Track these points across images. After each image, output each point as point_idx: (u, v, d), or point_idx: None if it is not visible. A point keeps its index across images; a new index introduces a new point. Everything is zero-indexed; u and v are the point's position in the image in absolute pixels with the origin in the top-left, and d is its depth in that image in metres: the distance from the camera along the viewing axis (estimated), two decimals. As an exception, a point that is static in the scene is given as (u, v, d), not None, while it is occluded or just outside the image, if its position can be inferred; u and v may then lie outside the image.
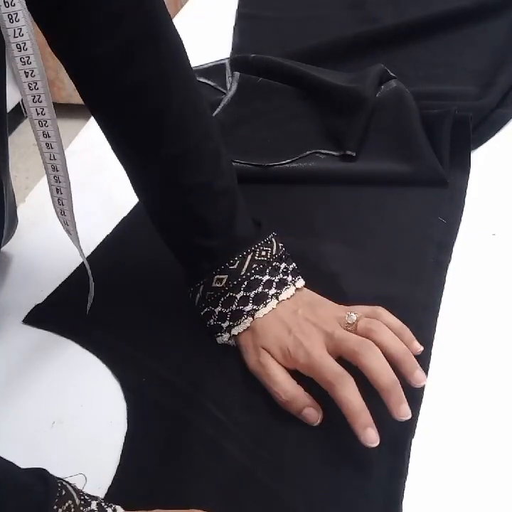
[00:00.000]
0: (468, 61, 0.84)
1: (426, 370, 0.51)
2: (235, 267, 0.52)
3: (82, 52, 0.49)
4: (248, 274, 0.52)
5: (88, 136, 0.82)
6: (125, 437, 0.49)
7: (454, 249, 0.61)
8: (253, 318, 0.52)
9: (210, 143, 0.53)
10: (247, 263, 0.52)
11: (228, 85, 0.83)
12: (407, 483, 0.44)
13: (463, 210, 0.65)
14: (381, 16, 0.95)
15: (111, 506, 0.39)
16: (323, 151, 0.72)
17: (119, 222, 0.69)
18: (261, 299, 0.52)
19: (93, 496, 0.39)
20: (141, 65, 0.49)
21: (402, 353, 0.48)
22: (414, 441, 0.47)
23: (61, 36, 0.49)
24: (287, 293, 0.53)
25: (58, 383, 0.54)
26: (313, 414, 0.48)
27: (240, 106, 0.80)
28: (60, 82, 2.14)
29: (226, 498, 0.43)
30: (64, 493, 0.37)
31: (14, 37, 0.42)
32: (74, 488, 0.38)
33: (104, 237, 0.67)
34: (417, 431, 0.47)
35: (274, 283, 0.53)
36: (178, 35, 0.52)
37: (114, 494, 0.44)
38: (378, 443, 0.44)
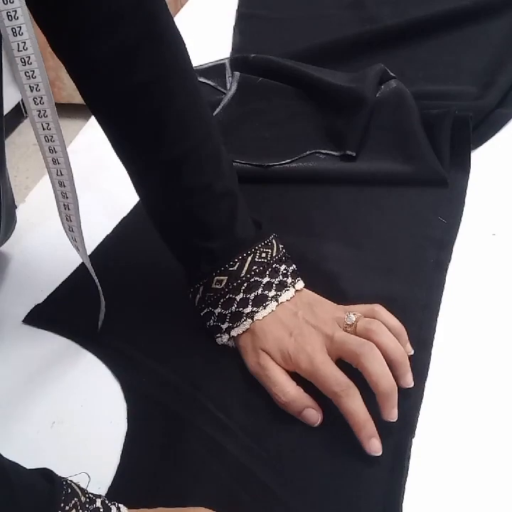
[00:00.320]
0: (468, 61, 0.84)
1: (426, 370, 0.51)
2: (235, 268, 0.52)
3: (82, 53, 0.49)
4: (248, 275, 0.52)
5: (88, 136, 0.82)
6: (125, 437, 0.49)
7: (454, 249, 0.61)
8: (252, 320, 0.52)
9: (211, 144, 0.53)
10: (247, 265, 0.52)
11: (228, 85, 0.83)
12: (407, 484, 0.44)
13: (463, 210, 0.65)
14: (381, 15, 0.95)
15: (114, 504, 0.40)
16: (323, 151, 0.72)
17: (119, 222, 0.69)
18: (260, 301, 0.52)
19: (97, 495, 0.40)
20: (141, 66, 0.49)
21: (400, 356, 0.48)
22: (414, 441, 0.47)
23: (61, 36, 0.49)
24: (287, 295, 0.53)
25: (58, 383, 0.54)
26: (313, 415, 0.48)
27: (239, 106, 0.80)
28: (60, 82, 2.14)
29: (226, 498, 0.43)
30: (70, 491, 0.38)
31: (14, 36, 0.42)
32: (78, 486, 0.39)
33: (104, 237, 0.67)
34: (417, 431, 0.47)
35: (274, 285, 0.53)
36: (180, 36, 0.52)
37: (114, 494, 0.44)
38: (381, 453, 0.45)
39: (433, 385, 0.50)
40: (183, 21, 1.04)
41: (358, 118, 0.73)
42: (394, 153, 0.70)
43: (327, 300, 0.54)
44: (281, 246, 0.55)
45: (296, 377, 0.50)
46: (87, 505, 0.38)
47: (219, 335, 0.53)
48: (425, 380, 0.50)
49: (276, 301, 0.52)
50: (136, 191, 0.56)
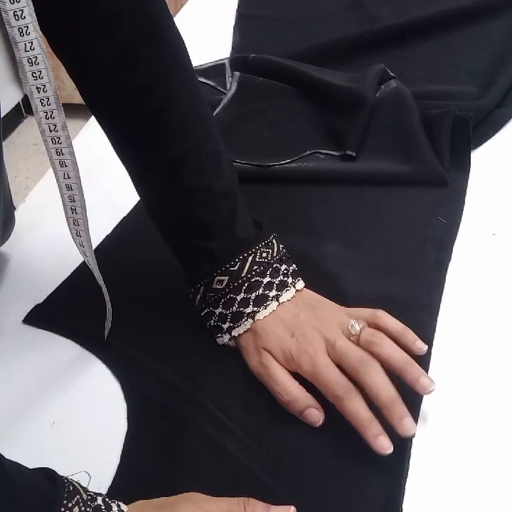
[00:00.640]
0: (468, 61, 0.84)
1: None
2: (236, 268, 0.52)
3: (82, 53, 0.49)
4: (249, 275, 0.52)
5: (88, 136, 0.82)
6: (125, 437, 0.49)
7: (454, 249, 0.61)
8: (253, 320, 0.52)
9: (211, 144, 0.53)
10: (248, 265, 0.52)
11: (228, 85, 0.83)
12: (407, 484, 0.44)
13: (463, 210, 0.65)
14: (381, 15, 0.95)
15: (114, 502, 0.40)
16: (323, 151, 0.72)
17: (119, 222, 0.69)
18: (261, 301, 0.52)
19: (97, 493, 0.40)
20: (141, 66, 0.49)
21: (403, 363, 0.48)
22: (414, 441, 0.46)
23: (61, 37, 0.49)
24: (288, 295, 0.53)
25: (58, 383, 0.54)
26: (315, 415, 0.48)
27: (239, 106, 0.80)
28: (60, 82, 2.14)
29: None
30: (71, 488, 0.38)
31: (21, 36, 0.41)
32: (79, 484, 0.39)
33: (104, 237, 0.67)
34: (417, 431, 0.47)
35: (275, 285, 0.53)
36: (180, 36, 0.52)
37: (114, 494, 0.44)
38: (392, 449, 0.44)
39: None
40: (183, 21, 1.04)
41: (358, 118, 0.73)
42: (394, 153, 0.70)
43: (328, 300, 0.54)
44: (281, 246, 0.55)
45: (297, 377, 0.50)
46: (89, 503, 0.38)
47: (220, 335, 0.53)
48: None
49: (277, 301, 0.52)
50: (137, 191, 0.56)
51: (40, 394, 0.53)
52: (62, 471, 0.40)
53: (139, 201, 0.69)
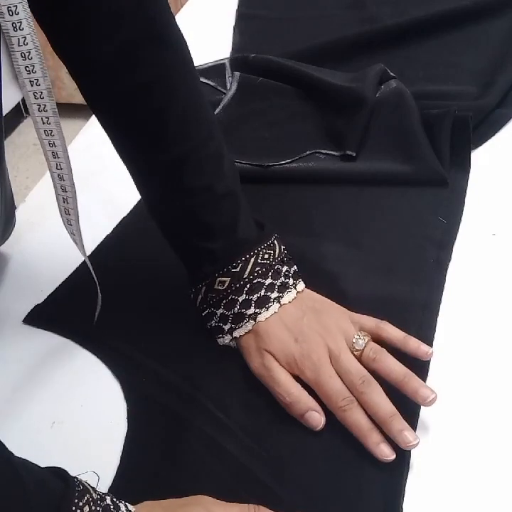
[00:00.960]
0: (468, 61, 0.84)
1: (426, 370, 0.51)
2: (238, 269, 0.52)
3: (83, 53, 0.49)
4: (251, 277, 0.52)
5: (88, 136, 0.82)
6: (125, 437, 0.49)
7: (454, 249, 0.61)
8: (255, 321, 0.52)
9: (212, 144, 0.53)
10: (250, 266, 0.52)
11: (228, 85, 0.83)
12: (407, 484, 0.44)
13: (463, 210, 0.65)
14: (381, 15, 0.95)
15: (122, 502, 0.40)
16: (323, 151, 0.72)
17: (119, 222, 0.69)
18: (263, 303, 0.52)
19: (105, 493, 0.40)
20: (142, 66, 0.49)
21: (402, 376, 0.48)
22: (414, 441, 0.47)
23: (61, 36, 0.49)
24: (289, 296, 0.53)
25: (58, 383, 0.54)
26: (316, 418, 0.48)
27: (240, 106, 0.80)
28: (60, 81, 2.14)
29: (226, 498, 0.43)
30: (81, 487, 0.38)
31: (15, 31, 0.42)
32: (88, 484, 0.39)
33: (104, 237, 0.67)
34: (417, 431, 0.47)
35: (276, 286, 0.53)
36: (182, 36, 0.51)
37: (114, 494, 0.44)
38: (394, 456, 0.45)
39: (433, 385, 0.50)
40: (183, 21, 1.03)
41: (358, 118, 0.73)
42: (394, 153, 0.70)
43: (330, 302, 0.54)
44: (283, 247, 0.55)
45: (298, 380, 0.50)
46: (99, 502, 0.38)
47: (221, 335, 0.53)
48: (425, 380, 0.50)
49: (279, 302, 0.52)
50: (138, 191, 0.56)
51: (40, 394, 0.53)
52: (62, 471, 0.40)
53: (139, 201, 0.69)
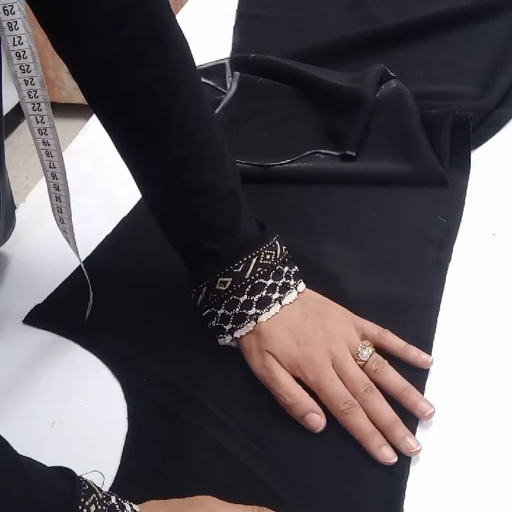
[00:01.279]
0: (468, 61, 0.84)
1: (426, 370, 0.51)
2: (240, 270, 0.52)
3: (83, 53, 0.49)
4: (252, 277, 0.52)
5: (88, 136, 0.82)
6: (125, 437, 0.49)
7: (454, 249, 0.61)
8: (256, 322, 0.52)
9: (214, 145, 0.53)
10: (251, 267, 0.52)
11: (228, 85, 0.83)
12: (407, 484, 0.44)
13: (463, 210, 0.65)
14: (381, 15, 0.95)
15: (127, 501, 0.40)
16: (323, 151, 0.72)
17: (119, 222, 0.69)
18: (264, 303, 0.52)
19: (110, 492, 0.40)
20: (143, 66, 0.49)
21: (401, 389, 0.49)
22: (414, 441, 0.47)
23: (62, 36, 0.49)
24: (290, 297, 0.53)
25: (58, 383, 0.54)
26: (316, 420, 0.48)
27: (240, 106, 0.80)
28: (60, 81, 2.14)
29: (226, 498, 0.43)
30: (87, 487, 0.38)
31: (10, 30, 0.42)
32: (93, 483, 0.40)
33: (104, 237, 0.67)
34: (417, 431, 0.47)
35: (278, 287, 0.53)
36: (183, 36, 0.51)
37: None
38: (396, 459, 0.45)
39: (433, 385, 0.50)
40: (183, 21, 1.03)
41: (358, 118, 0.73)
42: (394, 154, 0.70)
43: (332, 303, 0.54)
44: (284, 247, 0.55)
45: (299, 381, 0.50)
46: (105, 502, 0.38)
47: (222, 336, 0.53)
48: (425, 380, 0.50)
49: (280, 303, 0.52)
50: (139, 190, 0.56)
51: (40, 394, 0.53)
52: (62, 471, 0.40)
53: (139, 201, 0.69)
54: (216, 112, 0.79)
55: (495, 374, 0.51)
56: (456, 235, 0.63)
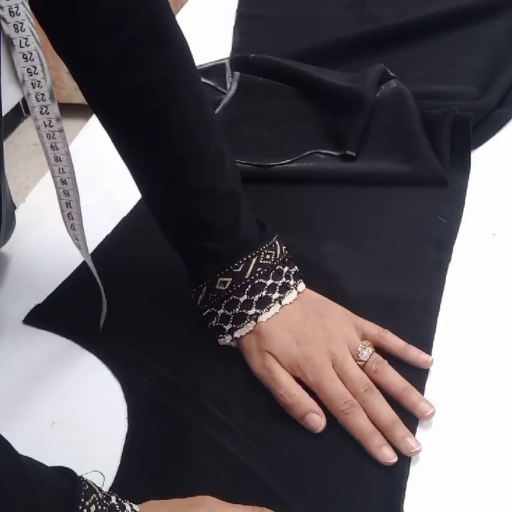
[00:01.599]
0: (468, 61, 0.84)
1: (426, 370, 0.51)
2: (240, 270, 0.52)
3: (83, 53, 0.49)
4: (252, 277, 0.52)
5: (88, 136, 0.82)
6: (125, 437, 0.49)
7: (454, 249, 0.61)
8: (256, 322, 0.52)
9: (214, 145, 0.53)
10: (251, 267, 0.52)
11: (228, 85, 0.83)
12: (408, 484, 0.44)
13: (463, 210, 0.65)
14: (381, 15, 0.95)
15: (127, 501, 0.40)
16: (323, 151, 0.72)
17: (119, 222, 0.69)
18: (264, 303, 0.52)
19: (110, 492, 0.40)
20: (143, 66, 0.49)
21: (401, 390, 0.49)
22: (414, 441, 0.47)
23: (62, 36, 0.49)
24: (290, 297, 0.53)
25: (58, 383, 0.54)
26: (316, 420, 0.48)
27: (240, 106, 0.80)
28: (60, 81, 2.14)
29: (226, 498, 0.43)
30: (87, 487, 0.38)
31: (16, 31, 0.42)
32: (94, 483, 0.40)
33: (104, 237, 0.67)
34: (417, 431, 0.47)
35: (278, 287, 0.53)
36: (183, 36, 0.51)
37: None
38: (396, 459, 0.45)
39: (433, 385, 0.50)
40: (183, 21, 1.03)
41: (358, 118, 0.73)
42: (394, 154, 0.70)
43: (331, 303, 0.54)
44: (284, 247, 0.55)
45: (299, 381, 0.50)
46: (105, 502, 0.38)
47: (222, 336, 0.53)
48: (425, 380, 0.50)
49: (280, 303, 0.52)
50: (139, 191, 0.56)
51: (40, 394, 0.53)
52: (62, 471, 0.40)
53: (139, 201, 0.69)
54: (216, 112, 0.79)
55: (495, 374, 0.51)
56: (456, 235, 0.63)
